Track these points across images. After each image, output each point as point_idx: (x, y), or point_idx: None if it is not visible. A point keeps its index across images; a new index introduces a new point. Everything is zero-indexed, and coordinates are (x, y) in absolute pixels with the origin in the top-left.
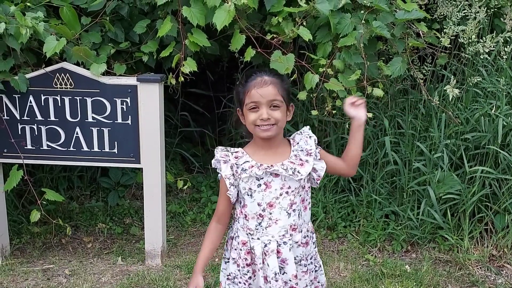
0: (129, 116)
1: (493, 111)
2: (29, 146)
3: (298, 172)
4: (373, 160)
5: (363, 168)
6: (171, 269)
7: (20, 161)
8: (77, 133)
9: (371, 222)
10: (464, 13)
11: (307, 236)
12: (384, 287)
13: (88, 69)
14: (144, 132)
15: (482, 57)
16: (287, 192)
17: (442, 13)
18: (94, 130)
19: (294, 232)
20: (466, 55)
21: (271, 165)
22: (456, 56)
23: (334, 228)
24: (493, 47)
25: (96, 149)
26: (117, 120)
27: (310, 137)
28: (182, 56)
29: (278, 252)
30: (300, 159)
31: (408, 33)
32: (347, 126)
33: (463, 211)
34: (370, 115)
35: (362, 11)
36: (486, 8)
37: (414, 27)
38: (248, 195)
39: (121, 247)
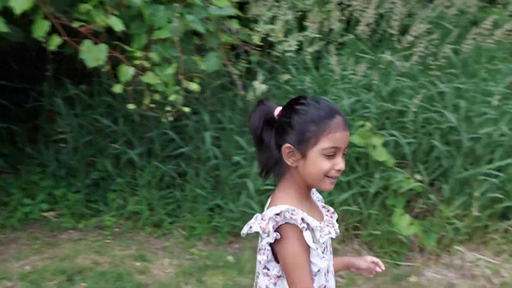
0: None
1: None
2: None
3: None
4: (197, 155)
5: (187, 163)
6: None
7: None
8: None
9: (196, 216)
10: (273, 13)
11: None
12: (207, 279)
13: None
14: None
15: (288, 55)
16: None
17: (254, 13)
18: None
19: None
20: (276, 53)
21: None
22: (268, 54)
23: (160, 225)
24: (297, 45)
25: None
26: None
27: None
28: None
29: None
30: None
31: (222, 29)
32: (167, 120)
33: None
34: (187, 109)
35: (177, 4)
36: (294, 10)
37: (228, 23)
38: None
39: None
